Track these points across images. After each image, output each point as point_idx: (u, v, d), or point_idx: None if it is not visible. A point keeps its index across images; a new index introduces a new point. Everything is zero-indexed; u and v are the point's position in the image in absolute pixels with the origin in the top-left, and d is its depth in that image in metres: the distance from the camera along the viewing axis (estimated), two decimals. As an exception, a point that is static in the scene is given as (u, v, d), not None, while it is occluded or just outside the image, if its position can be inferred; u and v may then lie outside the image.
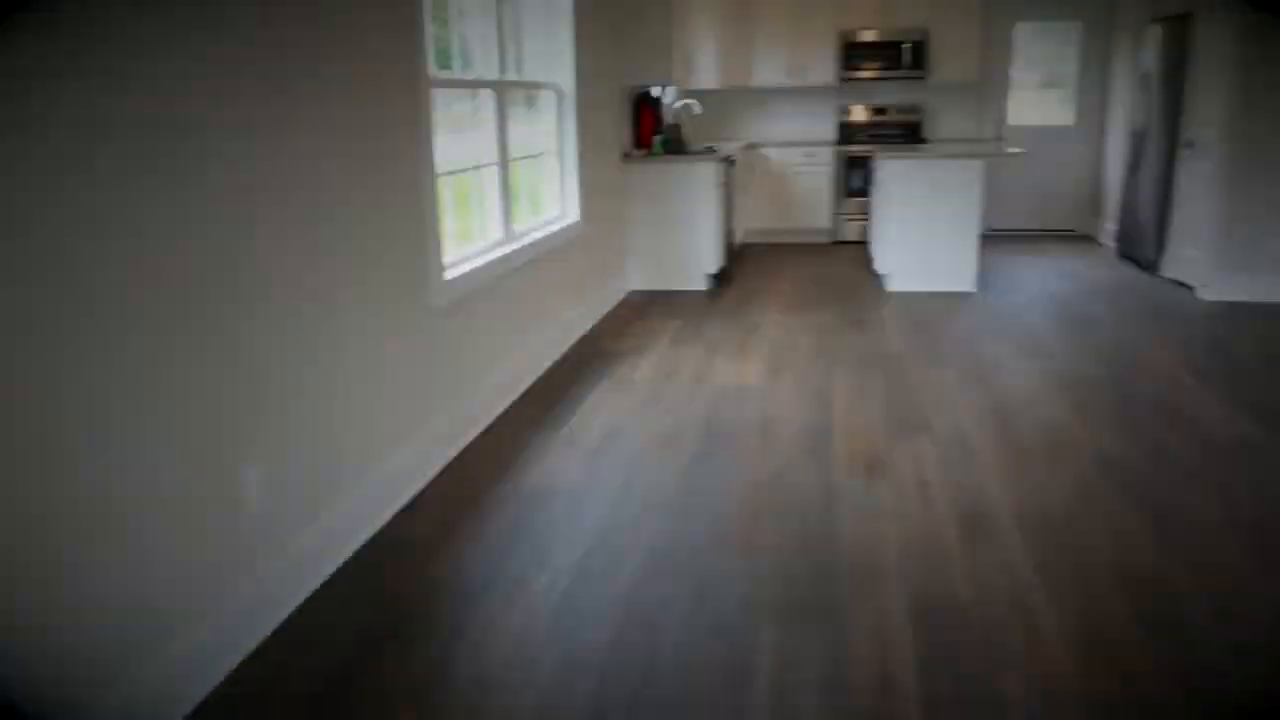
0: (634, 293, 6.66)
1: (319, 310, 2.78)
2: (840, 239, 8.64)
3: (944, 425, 4.01)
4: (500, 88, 4.46)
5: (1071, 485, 3.43)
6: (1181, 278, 6.73)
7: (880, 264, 6.68)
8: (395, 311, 3.30)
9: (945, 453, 3.71)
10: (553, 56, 5.25)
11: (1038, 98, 9.17)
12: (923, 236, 6.49)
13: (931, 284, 6.52)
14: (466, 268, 3.93)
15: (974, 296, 6.44)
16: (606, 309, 6.13)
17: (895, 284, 6.58)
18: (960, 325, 5.75)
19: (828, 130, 8.91)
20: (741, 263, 7.69)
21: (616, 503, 3.31)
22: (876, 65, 8.49)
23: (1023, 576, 2.75)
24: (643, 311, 6.14)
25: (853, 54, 8.48)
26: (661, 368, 4.89)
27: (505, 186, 4.50)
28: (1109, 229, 8.41)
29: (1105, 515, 3.17)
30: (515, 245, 4.51)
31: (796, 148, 8.57)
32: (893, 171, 6.48)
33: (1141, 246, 7.38)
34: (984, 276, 6.62)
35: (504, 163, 4.48)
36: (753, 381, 4.64)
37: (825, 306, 6.18)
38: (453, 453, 3.74)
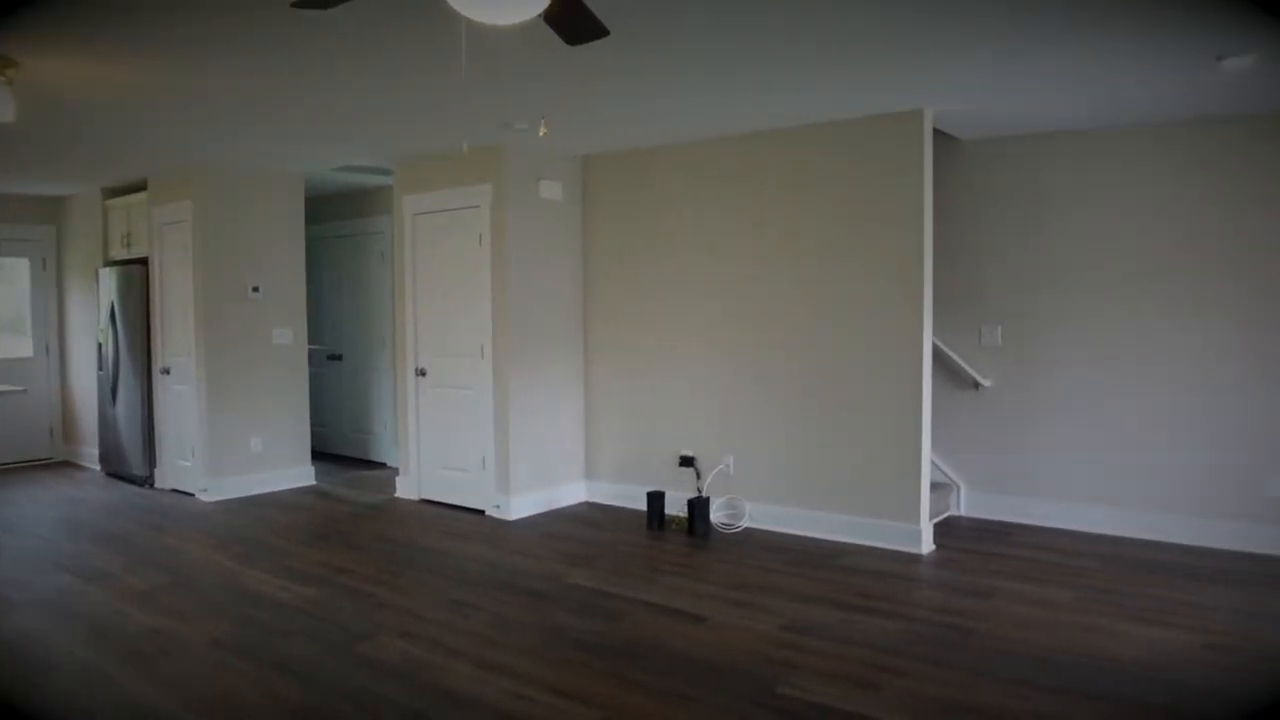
0: None
1: None
2: None
3: (72, 664, 4.13)
4: None
5: (208, 668, 3.97)
6: (179, 486, 7.63)
7: None
8: None
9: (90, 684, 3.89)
10: None
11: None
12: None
13: (-61, 531, 6.16)
14: None
15: (-10, 536, 6.29)
16: None
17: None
18: (-3, 565, 5.64)
19: None
20: None
21: None
22: None
23: (224, 744, 3.27)
24: None
25: None
26: None
27: None
28: (90, 452, 8.84)
29: (246, 678, 3.82)
30: None
31: None
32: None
33: (130, 465, 8.05)
34: (-8, 515, 6.51)
35: None
36: None
37: None
38: None
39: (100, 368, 8.42)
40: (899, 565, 5.34)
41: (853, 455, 5.79)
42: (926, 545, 5.59)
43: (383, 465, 8.80)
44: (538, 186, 6.65)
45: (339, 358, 9.26)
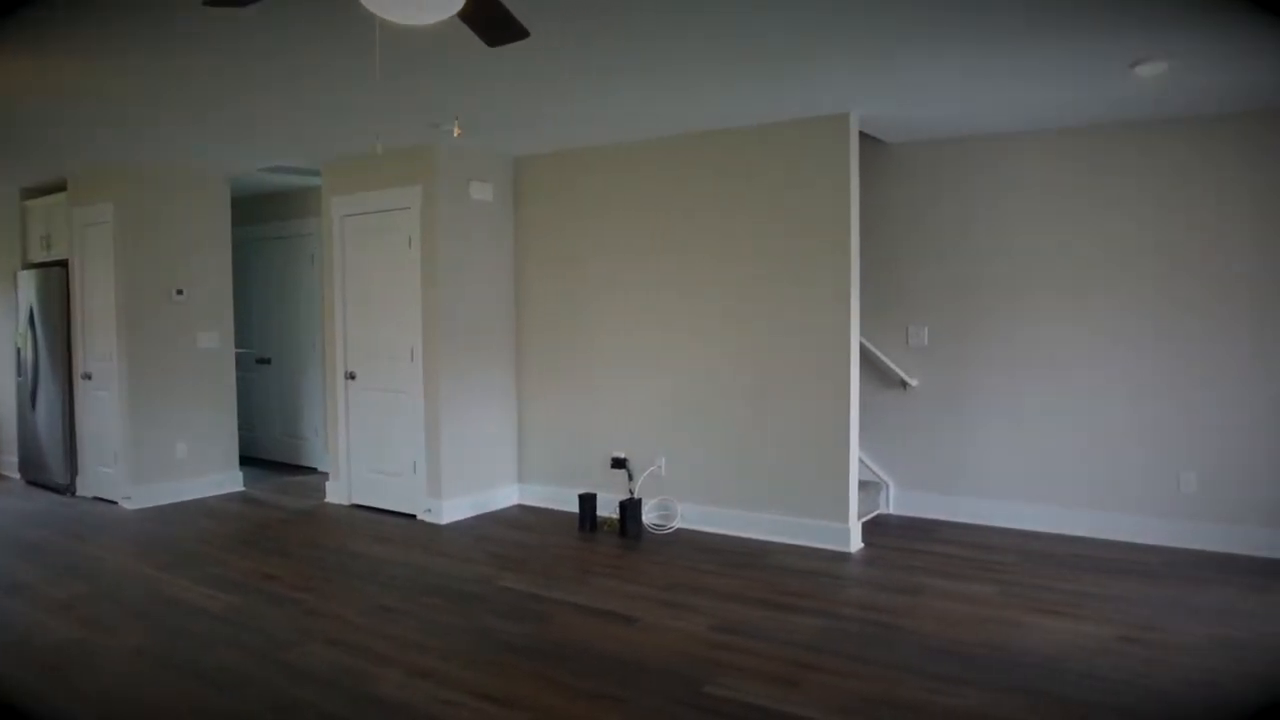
0: None
1: None
2: None
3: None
4: None
5: (129, 679, 3.89)
6: (102, 494, 7.44)
7: None
8: None
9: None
10: None
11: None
12: None
13: None
14: None
15: (-100, 548, 6.07)
16: None
17: None
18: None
19: None
20: None
21: None
22: None
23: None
24: None
25: None
26: None
27: None
28: (9, 460, 8.59)
29: (169, 688, 3.75)
30: None
31: None
32: None
33: (51, 473, 7.83)
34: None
35: None
36: None
37: None
38: None
39: (19, 373, 8.19)
40: (828, 564, 5.41)
41: (783, 455, 5.85)
42: (855, 544, 5.67)
43: (313, 470, 8.68)
44: (468, 188, 6.62)
45: (268, 361, 9.11)
